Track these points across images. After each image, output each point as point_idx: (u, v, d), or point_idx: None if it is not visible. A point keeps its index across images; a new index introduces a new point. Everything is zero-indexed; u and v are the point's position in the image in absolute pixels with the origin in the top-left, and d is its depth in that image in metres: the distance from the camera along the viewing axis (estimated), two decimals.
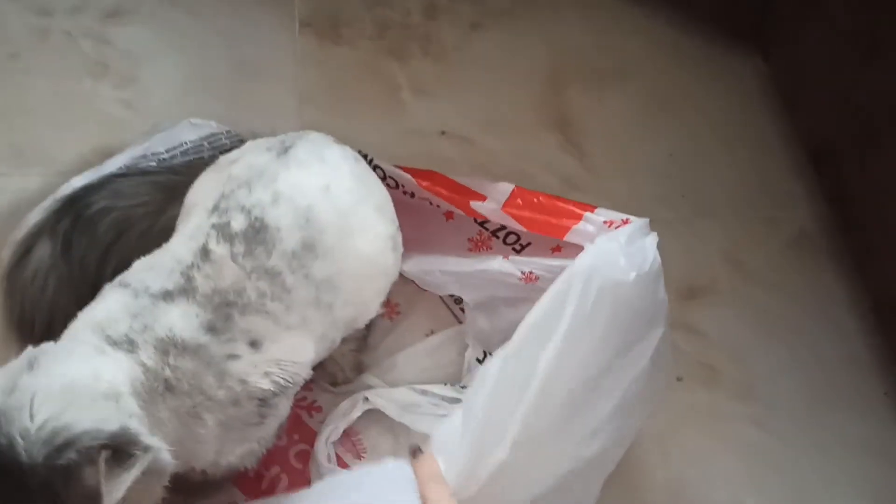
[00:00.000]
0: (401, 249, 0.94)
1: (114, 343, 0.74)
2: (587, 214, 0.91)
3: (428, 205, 1.00)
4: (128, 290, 0.78)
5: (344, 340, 0.94)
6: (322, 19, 1.33)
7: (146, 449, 0.67)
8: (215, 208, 0.83)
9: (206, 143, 1.08)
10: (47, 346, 0.72)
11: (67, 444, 0.66)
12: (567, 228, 0.91)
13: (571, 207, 0.92)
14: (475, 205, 0.96)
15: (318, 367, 0.98)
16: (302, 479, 0.95)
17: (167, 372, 0.75)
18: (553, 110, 1.28)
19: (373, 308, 0.94)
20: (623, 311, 0.81)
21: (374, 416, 0.99)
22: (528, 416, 0.78)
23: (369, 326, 1.01)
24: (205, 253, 0.80)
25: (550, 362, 0.78)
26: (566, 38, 1.36)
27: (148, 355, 0.74)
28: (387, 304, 1.02)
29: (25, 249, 0.93)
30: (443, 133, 1.24)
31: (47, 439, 0.65)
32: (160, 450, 0.69)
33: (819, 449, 1.03)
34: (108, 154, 1.08)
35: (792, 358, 1.09)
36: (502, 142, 1.24)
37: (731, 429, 1.03)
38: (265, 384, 0.79)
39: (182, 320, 0.76)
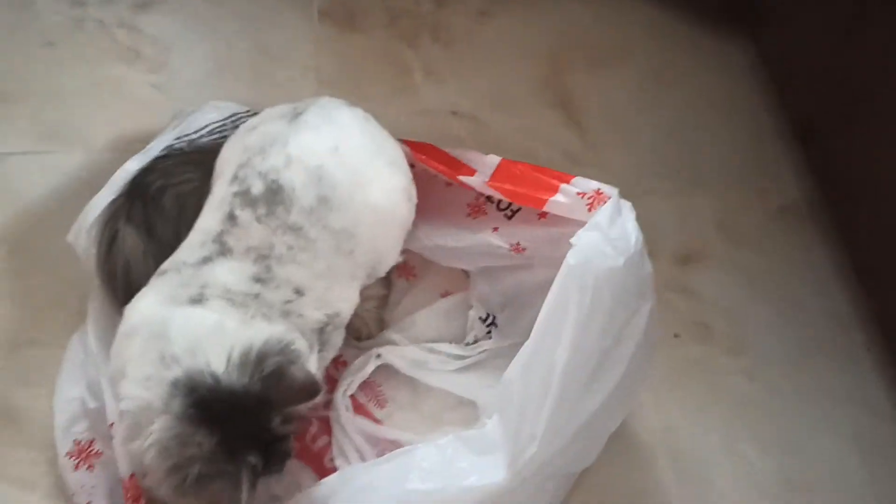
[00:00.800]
0: (415, 200, 1.01)
1: (188, 301, 0.83)
2: (562, 186, 0.97)
3: (428, 173, 1.06)
4: (167, 274, 0.87)
5: (367, 299, 1.03)
6: (338, 9, 1.41)
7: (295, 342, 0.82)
8: (234, 178, 0.91)
9: (228, 123, 1.14)
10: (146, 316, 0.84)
11: (261, 358, 0.79)
12: (544, 200, 0.98)
13: (549, 179, 0.99)
14: (464, 178, 1.02)
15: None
16: (327, 425, 1.03)
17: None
18: (556, 91, 1.36)
19: (391, 256, 1.01)
20: (618, 293, 0.89)
21: (393, 368, 1.07)
22: (553, 407, 0.86)
23: (389, 285, 1.10)
24: (231, 219, 0.88)
25: (565, 356, 0.86)
26: (567, 24, 1.43)
27: (218, 305, 0.83)
28: (404, 266, 1.11)
29: (111, 237, 0.99)
30: (453, 113, 1.32)
31: (243, 362, 0.79)
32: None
33: (806, 398, 1.11)
34: (140, 133, 1.17)
35: (780, 316, 1.17)
36: (508, 120, 1.31)
37: (724, 380, 1.11)
38: (319, 315, 0.88)
39: (231, 275, 0.85)
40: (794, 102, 1.34)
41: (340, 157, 0.93)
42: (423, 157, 1.05)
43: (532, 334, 0.90)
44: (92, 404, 0.97)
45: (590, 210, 0.96)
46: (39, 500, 0.96)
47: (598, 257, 0.87)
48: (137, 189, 1.01)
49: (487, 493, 0.87)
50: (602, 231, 0.90)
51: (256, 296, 0.85)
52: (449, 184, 1.07)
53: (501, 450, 0.88)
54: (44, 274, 1.10)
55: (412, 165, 1.05)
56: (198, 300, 0.84)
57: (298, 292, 0.87)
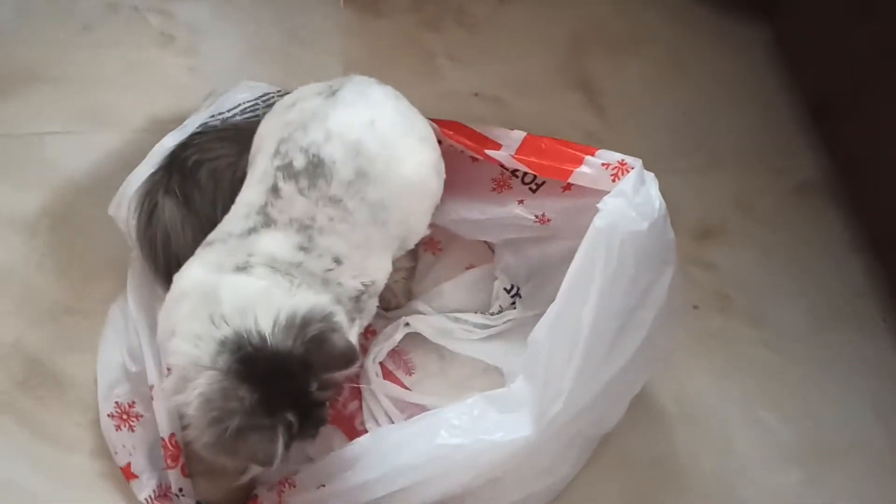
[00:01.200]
0: (443, 175, 1.05)
1: (234, 269, 0.87)
2: (587, 158, 1.00)
3: (454, 149, 1.10)
4: (214, 244, 0.91)
5: (396, 270, 1.06)
6: None
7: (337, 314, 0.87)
8: (276, 152, 0.94)
9: (260, 102, 1.18)
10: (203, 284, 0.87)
11: (305, 324, 0.83)
12: (570, 172, 1.01)
13: (574, 151, 1.02)
14: (490, 152, 1.05)
15: None
16: (357, 391, 1.07)
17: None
18: (576, 73, 1.39)
19: (421, 228, 1.04)
20: (642, 257, 0.92)
21: (420, 338, 1.10)
22: (579, 365, 0.90)
23: (417, 257, 1.13)
24: (275, 191, 0.91)
25: (591, 315, 0.90)
26: (587, 9, 1.47)
27: (264, 272, 0.87)
28: (430, 241, 1.15)
29: (151, 208, 1.03)
30: (476, 95, 1.36)
31: (288, 326, 0.82)
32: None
33: (824, 368, 1.13)
34: (174, 114, 1.20)
35: (798, 288, 1.20)
36: (530, 102, 1.35)
37: (743, 350, 1.14)
38: (356, 284, 0.92)
39: (275, 244, 0.89)
40: (809, 82, 1.37)
41: (376, 133, 0.96)
42: (451, 133, 1.08)
43: (559, 294, 0.93)
44: (133, 368, 1.01)
45: (614, 181, 0.98)
46: (83, 461, 1.00)
47: (623, 221, 0.91)
48: (175, 163, 1.05)
49: (514, 447, 0.90)
50: (627, 197, 0.93)
51: (299, 265, 0.89)
52: (475, 159, 1.10)
53: (528, 406, 0.92)
54: (85, 246, 1.14)
55: (439, 142, 1.08)
56: (244, 268, 0.87)
57: (338, 261, 0.91)
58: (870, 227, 1.23)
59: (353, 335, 0.91)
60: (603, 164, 0.99)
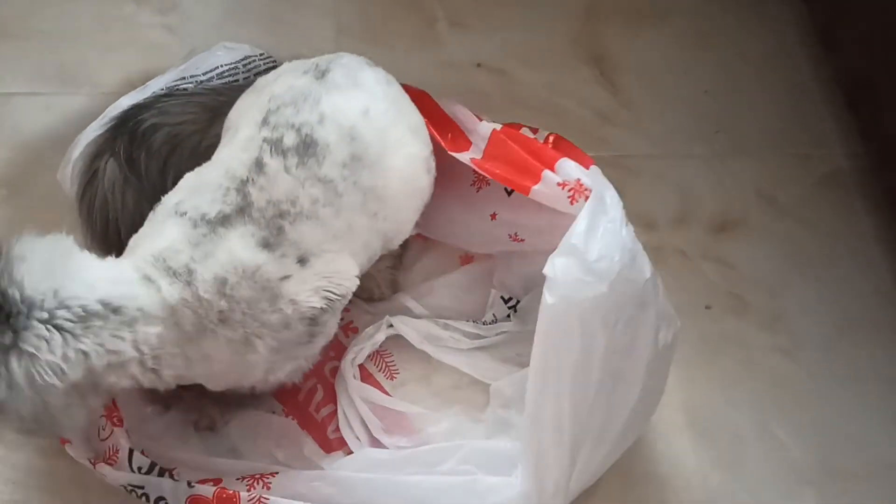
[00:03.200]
0: (434, 173, 0.96)
1: (174, 274, 0.78)
2: (545, 174, 0.90)
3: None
4: (185, 220, 0.81)
5: (380, 258, 0.97)
6: None
7: None
8: (265, 122, 0.85)
9: (240, 66, 1.10)
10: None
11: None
12: (529, 188, 0.92)
13: (535, 162, 0.92)
14: (456, 154, 0.96)
15: None
16: (333, 393, 0.98)
17: (223, 303, 0.78)
18: (589, 45, 1.28)
19: (408, 227, 0.96)
20: (613, 317, 0.81)
21: (405, 339, 1.01)
22: (570, 455, 0.83)
23: (405, 245, 1.03)
24: (259, 165, 0.83)
25: (570, 403, 0.80)
26: None
27: (205, 288, 0.78)
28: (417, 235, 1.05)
29: (93, 171, 0.96)
30: (478, 65, 1.25)
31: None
32: None
33: (843, 382, 1.04)
34: (149, 76, 1.10)
35: (821, 291, 1.09)
36: (537, 75, 1.24)
37: (758, 357, 1.05)
38: (315, 301, 0.82)
39: (240, 241, 0.79)
40: (843, 64, 1.25)
41: (370, 121, 0.88)
42: (425, 119, 0.97)
43: (529, 385, 0.83)
44: None
45: (571, 203, 0.89)
46: (16, 454, 0.93)
47: (577, 290, 0.79)
48: (126, 124, 0.98)
49: None
50: (578, 255, 0.80)
51: (254, 271, 0.80)
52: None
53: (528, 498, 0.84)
54: (42, 216, 1.03)
55: None
56: (189, 281, 0.78)
57: (302, 261, 0.81)
58: None
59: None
60: (559, 184, 0.90)
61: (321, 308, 0.83)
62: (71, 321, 0.73)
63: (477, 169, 0.94)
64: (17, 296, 0.73)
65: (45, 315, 0.72)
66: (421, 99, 0.97)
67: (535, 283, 1.00)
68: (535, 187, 0.90)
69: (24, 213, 1.07)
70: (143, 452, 0.89)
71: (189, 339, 0.80)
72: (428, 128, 0.95)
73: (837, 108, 1.24)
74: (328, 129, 0.85)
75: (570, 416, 0.79)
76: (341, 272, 0.85)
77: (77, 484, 0.90)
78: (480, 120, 0.97)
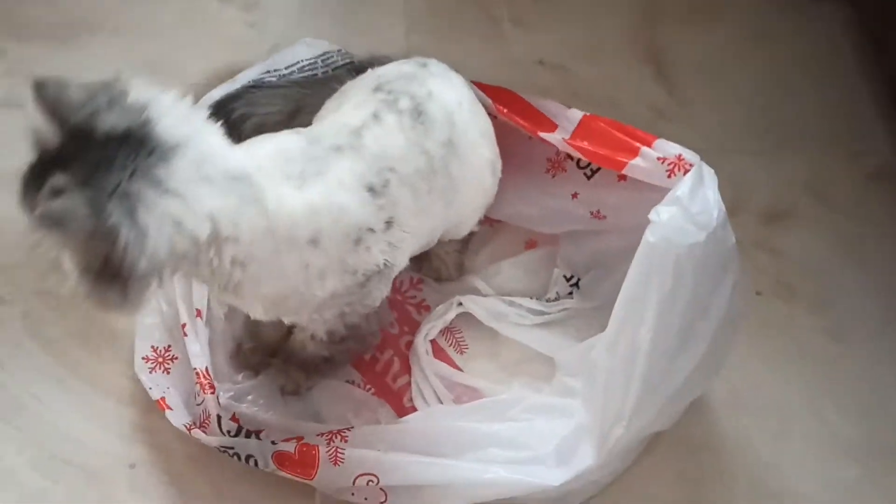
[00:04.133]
0: (499, 175, 1.03)
1: (287, 177, 0.81)
2: (643, 149, 0.96)
3: (510, 125, 1.06)
4: (302, 136, 0.86)
5: (448, 242, 1.05)
6: None
7: None
8: (378, 88, 0.92)
9: (319, 61, 1.17)
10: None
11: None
12: (624, 163, 0.97)
13: (630, 140, 0.98)
14: (544, 134, 1.02)
15: (426, 264, 1.10)
16: (408, 366, 1.06)
17: (314, 227, 0.82)
18: (646, 43, 1.34)
19: (471, 222, 1.03)
20: (700, 269, 0.87)
21: (474, 317, 1.08)
22: (639, 389, 0.88)
23: (470, 232, 1.09)
24: (376, 117, 0.88)
25: (649, 336, 0.87)
26: None
27: (307, 205, 0.81)
28: (485, 218, 1.11)
29: None
30: (540, 62, 1.31)
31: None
32: None
33: (891, 364, 1.09)
34: (233, 69, 1.18)
35: (868, 278, 1.15)
36: (596, 72, 1.30)
37: (806, 339, 1.10)
38: (380, 261, 0.87)
39: (349, 174, 0.84)
40: (891, 65, 1.30)
41: (462, 113, 0.95)
42: (505, 110, 1.04)
43: (614, 314, 0.90)
44: (165, 308, 1.01)
45: (669, 177, 0.95)
46: (129, 411, 1.01)
47: (678, 234, 0.86)
48: (220, 113, 1.02)
49: (576, 474, 0.90)
50: (682, 205, 0.87)
51: (354, 210, 0.84)
52: (530, 137, 1.07)
53: (588, 434, 0.91)
54: None
55: (494, 117, 1.05)
56: (299, 186, 0.82)
57: (389, 223, 0.87)
58: None
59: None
60: (659, 159, 0.95)
61: (377, 269, 0.88)
62: (209, 180, 0.74)
63: (569, 147, 1.00)
64: (167, 137, 0.72)
65: (192, 166, 0.73)
66: (502, 93, 1.04)
67: (599, 262, 1.08)
68: (632, 162, 0.96)
69: None
70: (232, 417, 0.96)
71: (277, 250, 0.81)
72: (509, 116, 1.02)
73: (885, 108, 1.29)
74: (435, 105, 0.91)
75: (646, 348, 0.85)
76: (401, 249, 0.91)
77: (179, 438, 0.97)
78: (569, 108, 1.02)
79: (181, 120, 0.74)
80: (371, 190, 0.85)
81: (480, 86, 1.04)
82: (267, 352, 1.04)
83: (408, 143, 0.88)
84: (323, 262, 0.83)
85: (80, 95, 0.71)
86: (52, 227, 0.69)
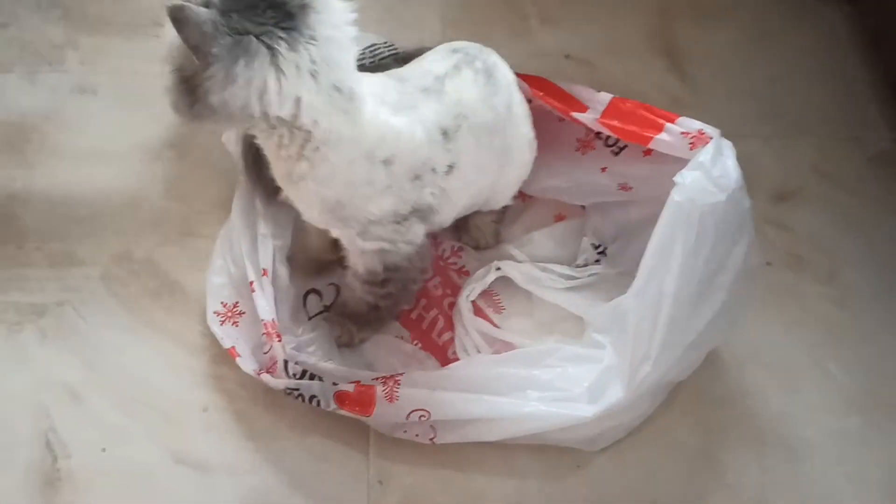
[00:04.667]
0: (535, 153, 1.14)
1: (383, 102, 0.92)
2: (667, 125, 1.07)
3: (543, 108, 1.17)
4: (393, 78, 0.98)
5: (486, 213, 1.17)
6: None
7: None
8: (455, 51, 1.03)
9: (367, 52, 1.26)
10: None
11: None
12: (650, 138, 1.08)
13: (655, 118, 1.09)
14: (577, 115, 1.13)
15: (465, 234, 1.21)
16: (451, 323, 1.16)
17: (396, 152, 0.92)
18: (663, 40, 1.46)
19: (509, 192, 1.15)
20: (720, 227, 0.98)
21: (510, 281, 1.19)
22: (665, 330, 0.98)
23: (506, 206, 1.20)
24: (456, 68, 1.00)
25: (674, 284, 0.97)
26: None
27: (400, 125, 0.92)
28: (519, 193, 1.23)
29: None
30: (566, 56, 1.43)
31: None
32: None
33: (890, 326, 1.19)
34: None
35: (871, 250, 1.25)
36: (618, 65, 1.42)
37: (812, 305, 1.21)
38: (428, 200, 0.98)
39: (433, 114, 0.96)
40: (889, 57, 1.41)
41: (512, 91, 1.07)
42: (541, 93, 1.15)
43: (642, 264, 1.00)
44: (233, 269, 1.12)
45: (691, 149, 1.05)
46: (200, 361, 1.11)
47: (701, 194, 0.96)
48: None
49: (607, 407, 1.00)
50: (705, 170, 0.98)
51: (430, 146, 0.95)
52: (561, 119, 1.17)
53: (617, 370, 1.01)
54: (206, 173, 1.25)
55: (529, 101, 1.15)
56: (394, 112, 0.93)
57: (449, 168, 0.98)
58: None
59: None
60: (682, 133, 1.06)
61: (419, 210, 0.99)
62: (315, 77, 0.83)
63: (596, 125, 1.10)
64: (309, 27, 0.82)
65: (309, 61, 0.81)
66: (537, 80, 1.15)
67: (624, 231, 1.19)
68: (658, 136, 1.06)
69: (188, 170, 1.26)
70: (296, 363, 1.07)
71: (353, 159, 0.91)
72: (544, 98, 1.13)
73: (884, 98, 1.41)
74: (500, 73, 1.04)
75: (671, 295, 0.96)
76: (450, 199, 1.02)
77: (245, 385, 1.09)
78: (599, 91, 1.13)
79: (333, 23, 0.84)
80: (444, 133, 0.97)
81: (517, 74, 1.14)
82: (313, 258, 1.16)
83: (480, 96, 1.00)
84: (387, 182, 0.94)
85: None
86: (175, 20, 0.77)
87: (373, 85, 0.93)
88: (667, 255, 0.96)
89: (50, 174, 1.25)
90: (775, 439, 1.10)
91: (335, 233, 1.02)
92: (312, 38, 0.82)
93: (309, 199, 0.96)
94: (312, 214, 0.99)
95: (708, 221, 0.95)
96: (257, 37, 0.80)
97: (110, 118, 1.31)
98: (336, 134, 0.88)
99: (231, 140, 1.16)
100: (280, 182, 0.97)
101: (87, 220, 1.22)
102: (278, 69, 0.81)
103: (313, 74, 0.83)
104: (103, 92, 1.34)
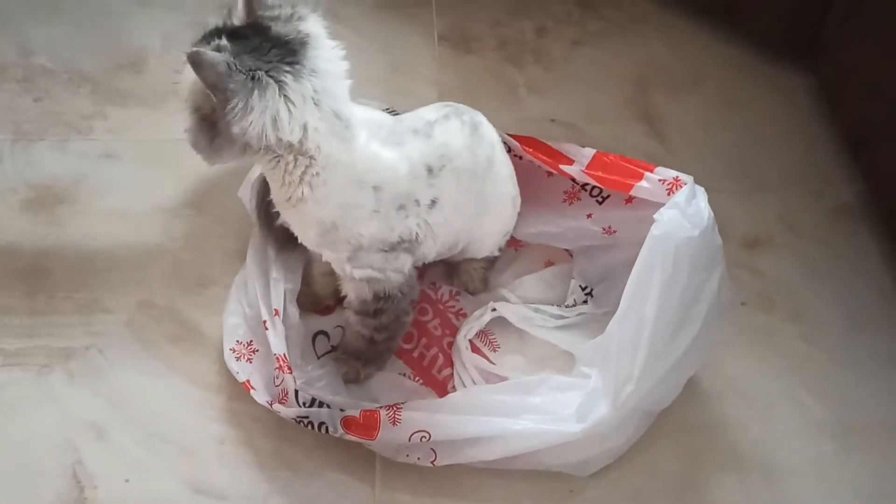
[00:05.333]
0: (518, 210, 1.26)
1: (375, 136, 1.03)
2: (646, 174, 1.19)
3: (532, 165, 1.29)
4: (385, 114, 1.10)
5: (477, 260, 1.28)
6: (456, 35, 1.69)
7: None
8: (446, 105, 1.15)
9: None
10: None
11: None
12: (631, 185, 1.19)
13: (635, 168, 1.20)
14: (564, 167, 1.24)
15: (456, 278, 1.32)
16: (450, 360, 1.25)
17: (387, 177, 1.03)
18: (640, 107, 1.60)
19: (489, 244, 1.25)
20: (695, 259, 1.09)
21: (505, 321, 1.29)
22: (646, 353, 1.07)
23: (497, 256, 1.31)
24: (446, 118, 1.12)
25: (653, 311, 1.06)
26: (650, 53, 1.69)
27: (389, 161, 1.04)
28: (512, 239, 1.33)
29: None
30: (552, 121, 1.56)
31: None
32: None
33: (856, 360, 1.29)
34: None
35: (834, 293, 1.36)
36: (600, 129, 1.55)
37: (785, 342, 1.31)
38: (412, 230, 1.08)
39: (418, 152, 1.07)
40: (847, 120, 1.55)
41: (497, 149, 1.18)
42: (530, 149, 1.27)
43: (625, 293, 1.10)
44: (249, 311, 1.21)
45: (669, 195, 1.16)
46: (223, 401, 1.20)
47: (677, 229, 1.07)
48: None
49: (593, 422, 1.08)
50: (680, 209, 1.10)
51: (413, 179, 1.06)
52: (550, 174, 1.29)
53: (603, 391, 1.10)
54: (222, 229, 1.37)
55: (520, 157, 1.28)
56: (380, 147, 1.04)
57: (431, 204, 1.09)
58: None
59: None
60: (660, 180, 1.17)
61: (406, 241, 1.08)
62: (319, 105, 0.95)
63: (586, 176, 1.22)
64: (310, 61, 0.94)
65: (312, 90, 0.94)
66: (527, 139, 1.27)
67: (610, 273, 1.29)
68: (639, 184, 1.17)
69: (206, 226, 1.37)
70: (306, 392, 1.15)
71: (347, 183, 1.01)
72: (534, 154, 1.25)
73: (843, 156, 1.54)
74: (484, 130, 1.15)
75: (651, 320, 1.05)
76: (433, 232, 1.12)
77: (259, 420, 1.17)
78: (583, 147, 1.25)
79: (327, 58, 0.97)
80: (429, 170, 1.08)
81: (509, 134, 1.27)
82: (316, 300, 1.26)
83: (465, 144, 1.12)
84: (375, 207, 1.04)
85: (273, 1, 0.96)
86: (193, 63, 0.89)
87: (367, 119, 1.05)
88: (646, 283, 1.06)
89: (79, 231, 1.36)
90: (755, 464, 1.18)
91: (327, 256, 1.11)
92: (313, 70, 0.95)
93: (307, 221, 1.06)
94: (308, 236, 1.09)
95: (683, 253, 1.06)
96: (266, 73, 0.92)
97: (134, 181, 1.43)
98: (334, 159, 0.99)
99: (246, 195, 1.28)
100: (280, 207, 1.08)
101: (113, 271, 1.32)
102: (287, 99, 0.93)
103: (316, 103, 0.95)
104: (128, 157, 1.46)
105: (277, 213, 1.14)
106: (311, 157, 0.98)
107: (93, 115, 1.51)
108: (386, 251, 1.08)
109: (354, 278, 1.10)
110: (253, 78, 0.91)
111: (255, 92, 0.91)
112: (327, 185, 1.01)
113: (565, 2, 1.77)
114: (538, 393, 1.14)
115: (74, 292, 1.29)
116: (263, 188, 1.23)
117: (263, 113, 0.92)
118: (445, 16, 1.72)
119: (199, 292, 1.30)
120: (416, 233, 1.10)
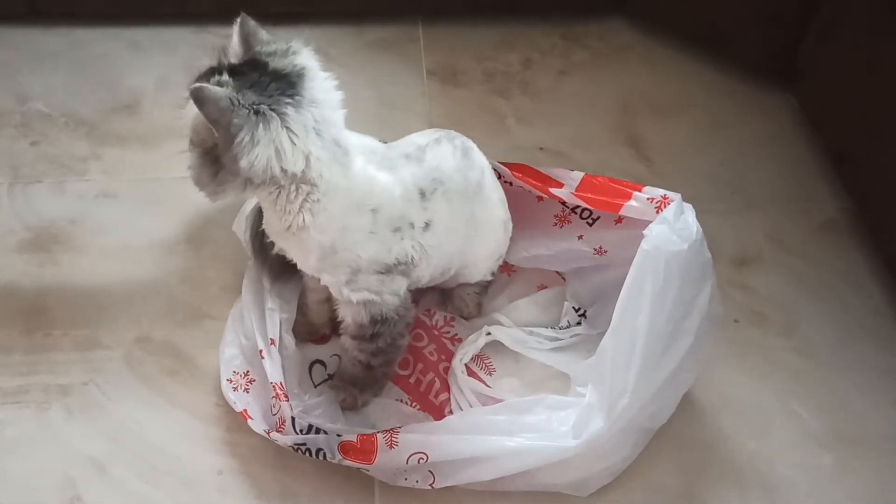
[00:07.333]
0: (509, 234, 1.28)
1: (369, 161, 1.06)
2: (635, 194, 1.21)
3: (523, 190, 1.31)
4: (378, 142, 1.12)
5: (471, 285, 1.29)
6: (444, 70, 1.73)
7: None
8: (437, 130, 1.17)
9: None
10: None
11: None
12: (620, 206, 1.22)
13: (624, 188, 1.23)
14: (554, 191, 1.27)
15: (450, 304, 1.33)
16: (447, 384, 1.26)
17: (383, 200, 1.06)
18: (626, 133, 1.63)
19: (481, 268, 1.27)
20: (684, 273, 1.10)
21: (500, 345, 1.30)
22: (639, 365, 1.08)
23: (490, 281, 1.33)
24: (437, 142, 1.14)
25: (645, 323, 1.08)
26: (634, 81, 1.73)
27: (384, 184, 1.06)
28: (505, 263, 1.35)
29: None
30: (541, 148, 1.59)
31: None
32: None
33: (848, 372, 1.30)
34: None
35: (825, 308, 1.38)
36: (587, 155, 1.58)
37: (778, 357, 1.32)
38: (408, 251, 1.10)
39: (411, 176, 1.09)
40: (829, 138, 1.58)
41: (487, 174, 1.21)
42: (520, 175, 1.30)
43: (617, 307, 1.12)
44: (245, 341, 1.22)
45: (658, 212, 1.18)
46: (221, 433, 1.20)
47: (666, 244, 1.09)
48: None
49: (589, 437, 1.08)
50: (669, 224, 1.12)
51: (406, 202, 1.08)
52: (540, 198, 1.32)
53: (598, 405, 1.10)
54: (216, 264, 1.39)
55: (510, 183, 1.31)
56: (375, 170, 1.07)
57: (426, 227, 1.11)
58: (887, 257, 1.41)
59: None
60: (648, 199, 1.20)
61: (402, 263, 1.10)
62: (319, 134, 0.97)
63: (576, 198, 1.24)
64: (308, 93, 0.97)
65: (312, 120, 0.96)
66: (517, 166, 1.30)
67: (602, 294, 1.30)
68: (628, 203, 1.20)
69: (201, 261, 1.39)
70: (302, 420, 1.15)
71: (346, 207, 1.03)
72: (524, 179, 1.27)
73: (827, 172, 1.57)
74: (474, 155, 1.18)
75: (644, 332, 1.06)
76: (427, 254, 1.13)
77: (257, 449, 1.18)
78: (572, 171, 1.28)
79: (324, 89, 0.99)
80: (422, 193, 1.10)
81: (501, 162, 1.30)
82: (312, 329, 1.27)
83: (456, 167, 1.14)
84: (371, 229, 1.06)
85: (268, 38, 0.99)
86: (196, 99, 0.90)
87: (361, 145, 1.08)
88: (638, 297, 1.08)
89: (75, 270, 1.38)
90: (753, 477, 1.19)
91: (325, 280, 1.13)
92: (312, 101, 0.97)
93: (307, 247, 1.07)
94: (309, 261, 1.10)
95: (673, 266, 1.08)
96: (269, 106, 0.94)
97: (130, 219, 1.45)
98: (334, 185, 1.01)
99: (240, 229, 1.29)
100: (276, 237, 1.10)
101: (110, 308, 1.33)
102: (290, 130, 0.95)
103: (317, 132, 0.98)
104: (123, 196, 1.49)
105: (272, 244, 1.15)
106: (314, 185, 1.00)
107: (89, 157, 1.54)
108: (382, 273, 1.10)
109: (352, 301, 1.12)
110: (256, 112, 0.93)
111: (260, 125, 0.93)
112: (327, 211, 1.03)
113: (550, 34, 1.81)
114: (534, 412, 1.14)
115: (72, 329, 1.30)
116: (256, 220, 1.26)
117: (269, 145, 0.94)
118: (433, 51, 1.76)
119: (195, 326, 1.31)
120: (412, 255, 1.11)
